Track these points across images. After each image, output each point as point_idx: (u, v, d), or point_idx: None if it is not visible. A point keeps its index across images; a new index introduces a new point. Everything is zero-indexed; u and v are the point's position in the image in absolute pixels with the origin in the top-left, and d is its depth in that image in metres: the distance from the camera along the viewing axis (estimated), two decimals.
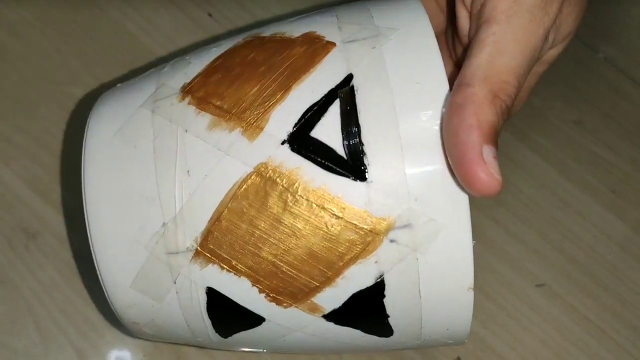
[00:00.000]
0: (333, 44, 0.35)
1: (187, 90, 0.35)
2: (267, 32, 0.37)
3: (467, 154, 0.31)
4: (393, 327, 0.35)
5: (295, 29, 0.37)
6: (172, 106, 0.35)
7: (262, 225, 0.33)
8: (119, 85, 0.40)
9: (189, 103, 0.35)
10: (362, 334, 0.36)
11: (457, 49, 0.40)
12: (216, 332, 0.37)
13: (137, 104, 0.36)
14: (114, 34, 0.56)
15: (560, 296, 0.50)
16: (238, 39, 0.38)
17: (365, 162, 0.32)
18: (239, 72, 0.35)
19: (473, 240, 0.33)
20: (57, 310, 0.47)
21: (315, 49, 0.35)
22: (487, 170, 0.30)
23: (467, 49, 0.34)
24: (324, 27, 0.36)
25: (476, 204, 0.52)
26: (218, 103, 0.34)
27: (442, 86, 0.33)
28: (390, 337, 0.36)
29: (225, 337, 0.37)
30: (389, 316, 0.35)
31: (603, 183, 0.54)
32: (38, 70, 0.55)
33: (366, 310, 0.35)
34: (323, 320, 0.35)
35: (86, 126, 0.37)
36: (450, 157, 0.31)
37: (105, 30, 0.56)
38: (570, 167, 0.54)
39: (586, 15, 0.37)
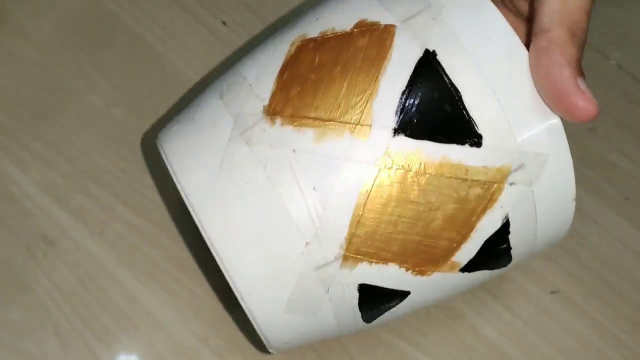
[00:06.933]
0: (393, 26, 0.35)
1: (272, 112, 0.35)
2: (311, 32, 0.37)
3: (566, 89, 0.34)
4: (512, 256, 0.39)
5: (339, 22, 0.36)
6: (265, 132, 0.35)
7: (400, 211, 0.34)
8: (174, 124, 0.39)
9: (282, 124, 0.35)
10: (488, 272, 0.39)
11: None
12: (363, 320, 0.38)
13: (223, 141, 0.35)
14: (131, 43, 0.57)
15: (576, 303, 0.50)
16: (268, 47, 0.38)
17: (473, 124, 0.34)
18: (315, 78, 0.35)
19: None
20: (75, 316, 0.47)
21: (380, 34, 0.35)
22: (587, 97, 0.34)
23: None
24: (369, 11, 0.36)
25: None
26: (313, 114, 0.34)
27: (511, 36, 0.35)
28: (508, 266, 0.39)
29: (369, 322, 0.39)
30: (512, 248, 0.38)
31: (617, 190, 0.54)
32: (56, 79, 0.55)
33: (495, 250, 0.37)
34: (459, 274, 0.37)
35: (172, 173, 0.37)
36: (547, 95, 0.35)
37: (123, 40, 0.57)
38: (584, 175, 0.54)
39: (597, 22, 0.37)
